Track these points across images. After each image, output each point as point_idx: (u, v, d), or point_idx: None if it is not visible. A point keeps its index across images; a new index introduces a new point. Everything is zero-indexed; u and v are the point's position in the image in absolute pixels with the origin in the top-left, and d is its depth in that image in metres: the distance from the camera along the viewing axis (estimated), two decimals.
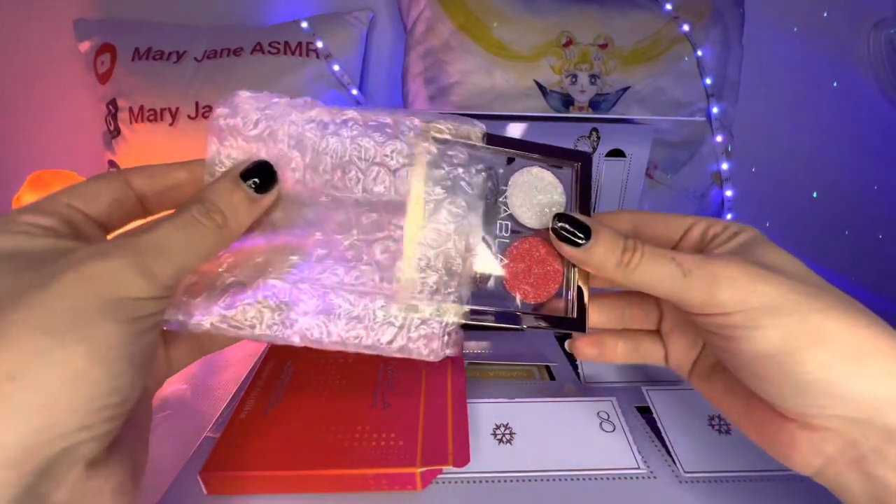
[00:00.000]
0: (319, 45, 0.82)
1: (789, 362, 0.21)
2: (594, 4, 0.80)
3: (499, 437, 0.36)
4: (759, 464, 0.34)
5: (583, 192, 0.29)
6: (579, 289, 0.28)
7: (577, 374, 0.44)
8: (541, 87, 0.79)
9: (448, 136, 0.27)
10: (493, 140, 0.28)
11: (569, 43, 0.79)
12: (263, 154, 0.26)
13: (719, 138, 0.83)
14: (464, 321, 0.27)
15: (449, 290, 0.27)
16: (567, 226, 0.25)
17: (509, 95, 0.78)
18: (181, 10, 0.88)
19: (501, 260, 0.28)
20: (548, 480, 0.33)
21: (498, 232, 0.28)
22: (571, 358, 0.47)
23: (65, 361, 0.17)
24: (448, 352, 0.28)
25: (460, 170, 0.27)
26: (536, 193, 0.29)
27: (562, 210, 0.28)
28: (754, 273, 0.22)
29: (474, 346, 0.47)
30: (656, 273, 0.23)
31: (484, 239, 0.28)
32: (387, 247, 0.27)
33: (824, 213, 1.07)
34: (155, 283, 0.20)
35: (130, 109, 0.79)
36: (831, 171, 1.05)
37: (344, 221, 0.27)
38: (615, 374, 0.44)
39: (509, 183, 0.29)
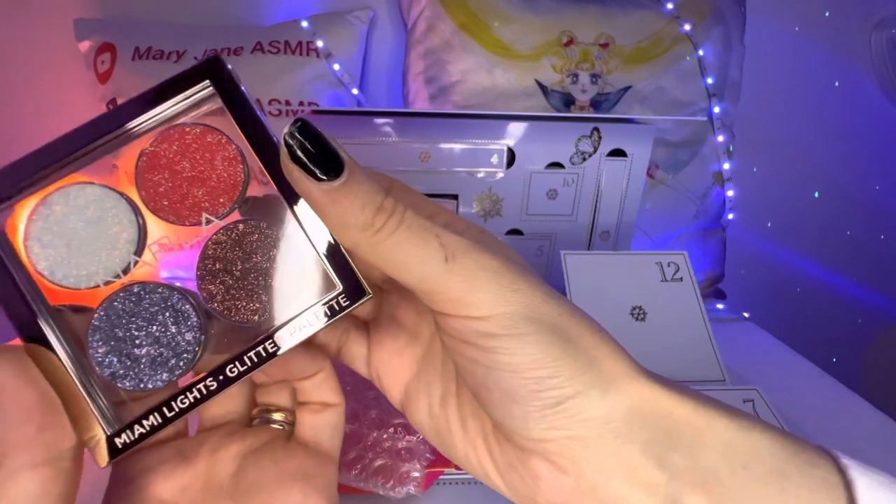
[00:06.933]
0: (320, 44, 0.82)
1: (543, 377, 0.17)
2: (595, 4, 0.80)
3: None
4: None
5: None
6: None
7: None
8: (542, 86, 0.78)
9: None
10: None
11: (570, 42, 0.79)
12: None
13: (721, 138, 0.83)
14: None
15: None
16: (308, 144, 0.17)
17: (510, 95, 0.78)
18: (181, 9, 0.87)
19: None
20: None
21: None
22: None
23: None
24: None
25: None
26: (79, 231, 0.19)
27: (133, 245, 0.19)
28: (516, 268, 0.18)
29: None
30: (413, 251, 0.17)
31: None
32: None
33: (826, 213, 1.06)
34: None
35: None
36: (833, 170, 1.04)
37: None
38: None
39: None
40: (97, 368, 0.19)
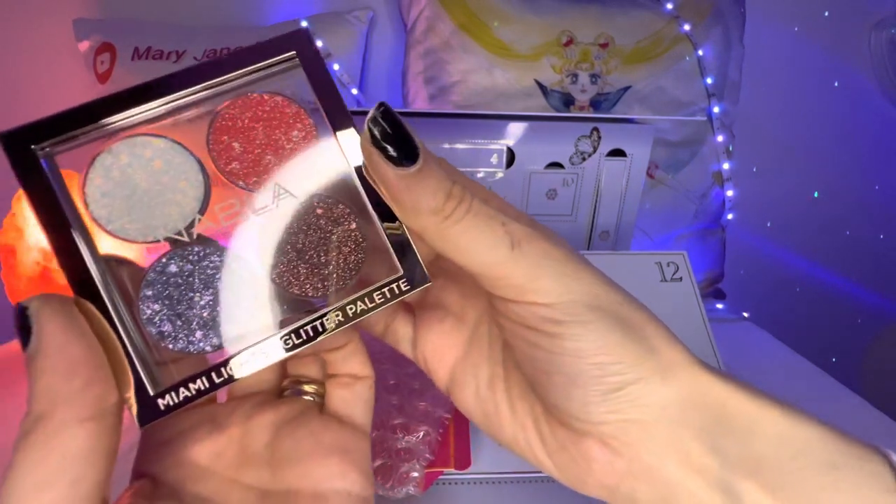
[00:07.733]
0: (319, 44, 0.82)
1: (606, 363, 0.18)
2: (595, 4, 0.80)
3: None
4: None
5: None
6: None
7: None
8: (541, 86, 0.78)
9: None
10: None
11: (569, 42, 0.79)
12: None
13: (720, 138, 0.83)
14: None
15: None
16: (388, 129, 0.17)
17: (510, 95, 0.78)
18: (181, 9, 0.88)
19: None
20: (547, 481, 0.33)
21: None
22: None
23: None
24: None
25: None
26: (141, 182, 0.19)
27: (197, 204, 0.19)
28: (576, 257, 0.19)
29: None
30: (480, 237, 0.18)
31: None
32: None
33: (825, 213, 1.07)
34: None
35: None
36: (832, 170, 1.05)
37: None
38: None
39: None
40: (146, 326, 0.18)
